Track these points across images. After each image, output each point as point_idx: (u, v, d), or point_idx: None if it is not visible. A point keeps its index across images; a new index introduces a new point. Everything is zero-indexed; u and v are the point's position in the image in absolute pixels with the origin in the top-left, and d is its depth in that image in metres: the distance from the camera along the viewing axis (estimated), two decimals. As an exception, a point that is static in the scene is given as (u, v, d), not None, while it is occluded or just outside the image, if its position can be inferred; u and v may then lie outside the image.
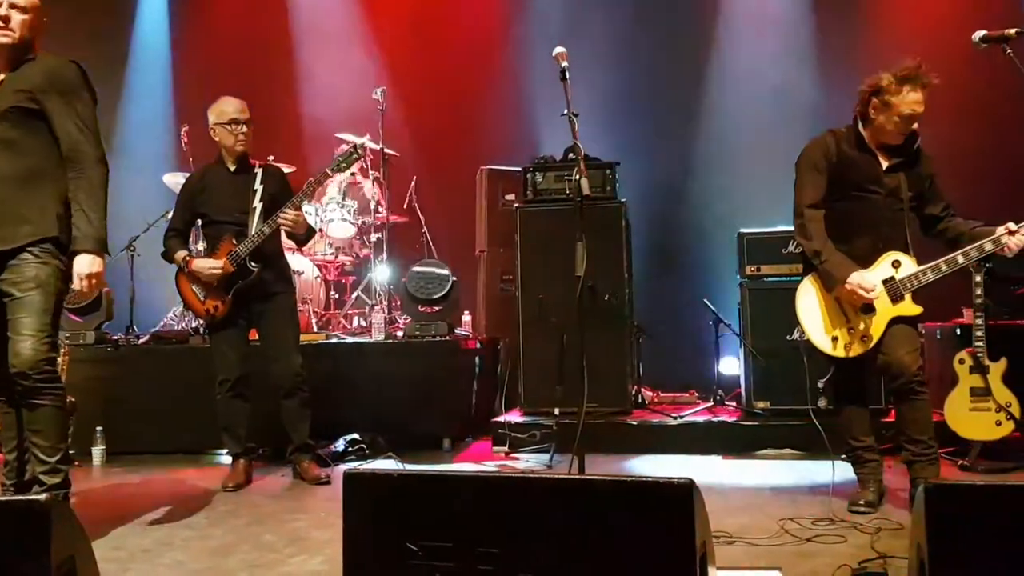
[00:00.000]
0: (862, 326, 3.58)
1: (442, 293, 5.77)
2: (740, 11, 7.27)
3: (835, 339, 3.62)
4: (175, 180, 6.64)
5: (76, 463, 5.06)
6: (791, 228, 5.27)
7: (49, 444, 3.27)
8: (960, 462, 4.44)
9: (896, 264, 3.59)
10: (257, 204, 4.43)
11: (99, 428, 5.20)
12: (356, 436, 5.14)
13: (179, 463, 5.18)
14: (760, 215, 5.96)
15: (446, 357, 5.59)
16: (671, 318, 6.60)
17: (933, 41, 6.11)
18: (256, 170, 4.54)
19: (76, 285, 3.28)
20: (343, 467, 4.73)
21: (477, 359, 6.05)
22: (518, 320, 5.42)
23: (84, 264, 3.25)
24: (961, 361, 4.48)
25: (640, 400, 5.62)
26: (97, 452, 5.18)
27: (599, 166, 5.43)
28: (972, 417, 4.43)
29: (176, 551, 3.30)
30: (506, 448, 5.25)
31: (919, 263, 3.61)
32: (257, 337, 4.62)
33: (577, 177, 3.45)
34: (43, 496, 1.94)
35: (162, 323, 6.53)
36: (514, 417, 5.43)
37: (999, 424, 4.38)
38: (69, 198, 3.27)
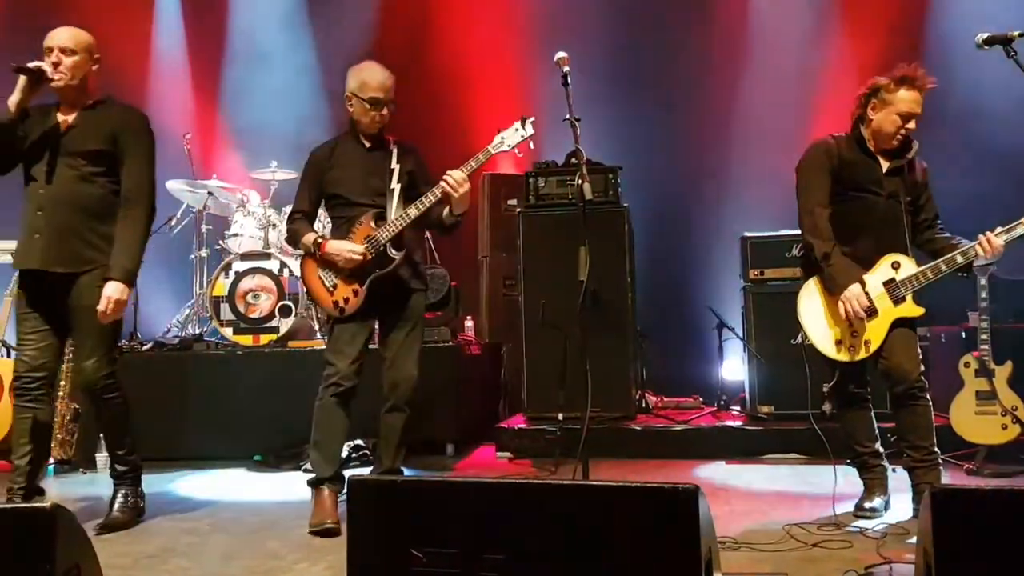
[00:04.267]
0: (864, 329, 3.57)
1: (439, 298, 5.75)
2: (741, 18, 7.28)
3: (839, 342, 3.62)
4: (178, 187, 6.64)
5: (81, 470, 5.07)
6: (795, 232, 5.29)
7: (116, 438, 3.85)
8: (966, 466, 4.43)
9: (896, 265, 3.59)
10: (395, 185, 3.87)
11: (103, 435, 5.19)
12: (360, 442, 5.13)
13: (183, 469, 5.17)
14: (763, 219, 5.96)
15: (449, 363, 5.58)
16: (674, 322, 6.61)
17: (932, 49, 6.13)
18: (392, 147, 3.96)
19: (100, 306, 3.58)
20: (348, 473, 4.73)
21: (480, 365, 6.05)
22: (521, 325, 5.42)
23: (112, 289, 3.60)
24: (967, 365, 4.47)
25: (644, 405, 5.61)
26: (101, 459, 5.17)
27: (601, 170, 5.43)
28: (978, 421, 4.43)
29: (180, 557, 3.29)
30: (510, 454, 5.24)
31: (918, 265, 3.61)
32: (381, 335, 3.99)
33: (579, 182, 3.45)
34: (47, 503, 1.94)
35: (166, 329, 6.54)
36: (518, 423, 5.42)
37: (1005, 428, 4.37)
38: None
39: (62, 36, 3.68)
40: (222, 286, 5.89)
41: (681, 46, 7.31)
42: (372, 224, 3.78)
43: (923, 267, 3.56)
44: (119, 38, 7.96)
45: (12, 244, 5.52)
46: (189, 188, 6.61)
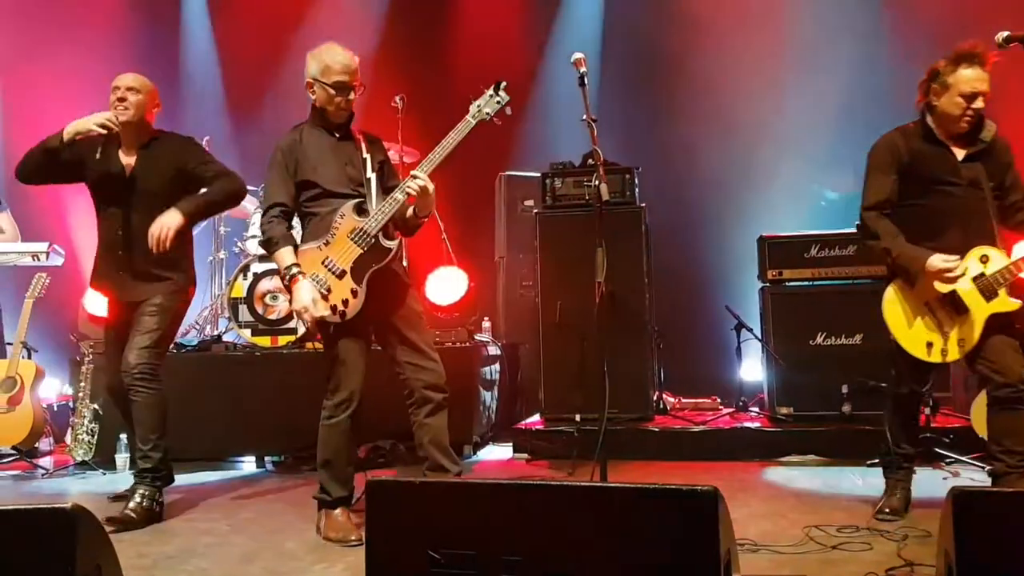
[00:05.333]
0: (956, 328, 3.40)
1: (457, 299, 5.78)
2: (764, 20, 7.25)
3: (929, 344, 3.43)
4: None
5: (101, 471, 5.11)
6: (813, 232, 5.31)
7: (143, 432, 3.95)
8: (988, 468, 4.38)
9: (984, 259, 3.41)
10: (372, 174, 3.60)
11: (122, 435, 5.22)
12: (378, 443, 5.14)
13: (202, 470, 5.20)
14: (782, 219, 5.93)
15: (466, 364, 5.58)
16: (692, 323, 6.58)
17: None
18: (359, 135, 3.72)
19: (154, 229, 3.84)
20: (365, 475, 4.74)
21: (497, 366, 6.05)
22: (538, 326, 5.41)
23: (167, 215, 3.88)
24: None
25: (662, 406, 5.59)
26: (120, 459, 5.21)
27: (618, 171, 5.42)
28: (1000, 422, 4.37)
29: (199, 558, 3.31)
30: (527, 455, 5.23)
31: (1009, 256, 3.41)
32: (382, 338, 3.70)
33: (596, 182, 3.44)
34: (69, 504, 1.95)
35: (184, 331, 6.57)
36: (535, 424, 5.42)
37: (1028, 429, 4.31)
38: None
39: (128, 78, 4.02)
40: (240, 288, 5.92)
41: (700, 46, 7.29)
42: (355, 216, 3.50)
43: (1015, 258, 3.35)
44: (147, 40, 8.10)
45: (33, 247, 5.69)
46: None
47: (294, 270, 3.47)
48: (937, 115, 3.49)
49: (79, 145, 3.91)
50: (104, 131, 3.84)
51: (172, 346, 5.91)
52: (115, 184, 4.01)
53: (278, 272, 3.66)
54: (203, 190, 4.07)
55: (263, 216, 3.65)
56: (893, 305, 3.53)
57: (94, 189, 4.09)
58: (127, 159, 4.04)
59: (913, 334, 3.48)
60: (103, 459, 5.19)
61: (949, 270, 3.33)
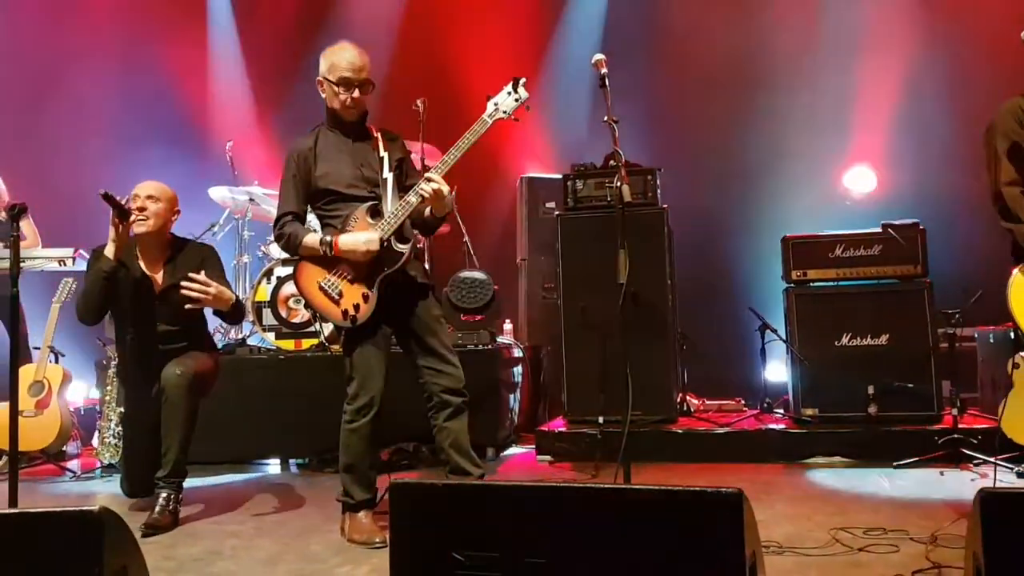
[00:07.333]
0: None
1: (484, 302, 5.76)
2: (787, 18, 7.21)
3: None
4: (220, 195, 6.74)
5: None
6: (838, 232, 5.27)
7: (180, 437, 3.97)
8: (1017, 469, 4.33)
9: None
10: (388, 174, 3.54)
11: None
12: (401, 446, 5.15)
13: (227, 472, 5.24)
14: (805, 219, 5.89)
15: (488, 366, 5.58)
16: (716, 325, 6.55)
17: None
18: (376, 134, 3.67)
19: (202, 280, 3.89)
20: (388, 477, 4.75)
21: (519, 368, 6.04)
22: (560, 328, 5.40)
23: (222, 289, 3.96)
24: (1016, 365, 4.36)
25: (686, 408, 5.57)
26: (147, 463, 5.25)
27: (640, 172, 5.40)
28: (1028, 423, 4.32)
29: (225, 560, 3.33)
30: (550, 457, 5.23)
31: None
32: (402, 342, 3.66)
33: (618, 184, 3.43)
34: (96, 507, 1.97)
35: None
36: (558, 426, 5.41)
37: (1057, 430, 4.25)
38: None
39: (148, 186, 4.08)
40: (264, 291, 5.96)
41: (726, 44, 7.26)
42: (368, 219, 3.47)
43: None
44: (174, 44, 8.18)
45: (59, 252, 5.75)
46: (231, 194, 6.70)
47: (328, 238, 3.45)
48: None
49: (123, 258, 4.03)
50: (121, 208, 3.87)
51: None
52: (145, 300, 4.09)
53: (311, 257, 3.52)
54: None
55: (275, 224, 3.64)
56: (1019, 294, 3.26)
57: (121, 304, 4.11)
58: (153, 274, 4.13)
59: None
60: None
61: None
